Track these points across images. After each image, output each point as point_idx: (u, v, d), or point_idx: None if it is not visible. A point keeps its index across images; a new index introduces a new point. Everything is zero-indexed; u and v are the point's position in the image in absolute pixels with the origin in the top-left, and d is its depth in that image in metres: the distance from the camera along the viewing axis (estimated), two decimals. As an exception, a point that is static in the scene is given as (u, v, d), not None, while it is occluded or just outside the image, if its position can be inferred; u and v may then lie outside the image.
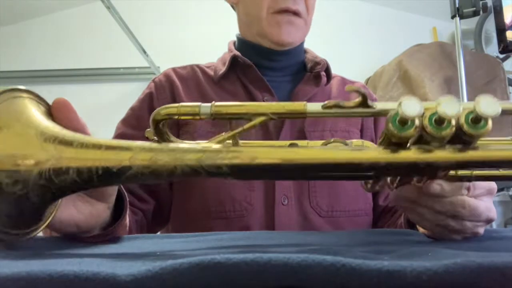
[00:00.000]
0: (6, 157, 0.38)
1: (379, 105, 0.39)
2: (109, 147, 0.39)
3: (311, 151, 0.38)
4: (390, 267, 0.28)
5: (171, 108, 0.41)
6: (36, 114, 0.42)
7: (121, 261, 0.36)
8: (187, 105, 0.41)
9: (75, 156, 0.39)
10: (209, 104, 0.40)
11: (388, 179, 0.46)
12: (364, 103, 0.39)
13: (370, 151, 0.37)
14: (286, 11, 0.86)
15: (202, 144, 0.39)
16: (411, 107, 0.34)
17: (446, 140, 0.36)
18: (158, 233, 0.92)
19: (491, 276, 0.27)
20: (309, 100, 0.87)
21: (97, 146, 0.39)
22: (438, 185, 0.47)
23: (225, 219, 0.79)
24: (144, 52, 2.74)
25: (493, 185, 0.50)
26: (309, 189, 0.81)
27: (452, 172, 0.46)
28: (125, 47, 2.73)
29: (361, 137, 0.89)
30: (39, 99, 0.44)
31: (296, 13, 0.86)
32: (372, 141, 0.89)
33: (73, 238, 0.51)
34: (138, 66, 3.06)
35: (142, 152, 0.38)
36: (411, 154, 0.36)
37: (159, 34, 3.10)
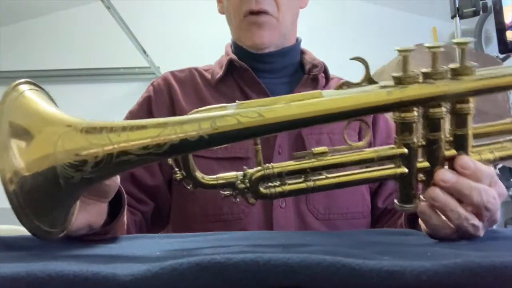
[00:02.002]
0: (62, 153, 0.40)
1: (382, 82, 0.47)
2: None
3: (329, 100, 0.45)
4: (390, 267, 0.28)
5: (201, 111, 0.46)
6: (50, 107, 0.43)
7: (121, 261, 0.36)
8: (215, 107, 0.47)
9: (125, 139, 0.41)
10: (234, 104, 0.46)
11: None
12: (369, 78, 0.49)
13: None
14: (250, 13, 0.85)
15: None
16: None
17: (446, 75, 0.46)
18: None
19: (491, 276, 0.27)
20: None
21: (141, 127, 0.42)
22: (471, 162, 0.47)
23: (223, 222, 0.79)
24: (144, 52, 2.74)
25: (505, 190, 0.51)
26: None
27: (476, 156, 0.48)
28: (125, 47, 2.73)
29: (359, 139, 0.88)
30: (36, 86, 0.45)
31: (261, 13, 0.85)
32: (370, 143, 0.89)
33: (73, 238, 0.51)
34: (138, 66, 3.06)
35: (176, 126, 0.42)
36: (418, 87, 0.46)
37: (159, 34, 3.09)
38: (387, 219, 0.86)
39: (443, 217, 0.48)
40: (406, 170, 0.47)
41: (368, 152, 0.48)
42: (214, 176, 0.49)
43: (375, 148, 0.48)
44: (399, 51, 0.48)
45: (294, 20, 0.93)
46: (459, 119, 0.47)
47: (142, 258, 0.39)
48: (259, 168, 0.48)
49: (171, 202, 0.87)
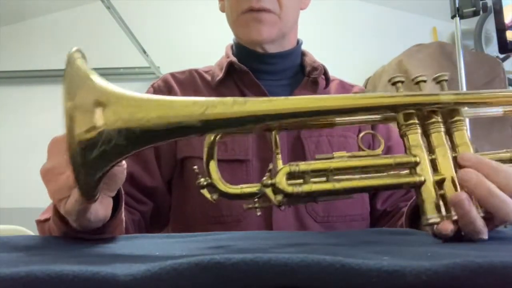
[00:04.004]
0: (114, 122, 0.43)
1: None
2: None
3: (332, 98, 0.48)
4: (389, 267, 0.28)
5: None
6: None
7: (121, 261, 0.36)
8: None
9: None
10: None
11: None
12: None
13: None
14: (251, 10, 0.84)
15: None
16: None
17: None
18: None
19: (491, 276, 0.27)
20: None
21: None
22: (473, 155, 0.48)
23: (222, 224, 0.78)
24: (144, 52, 2.74)
25: None
26: None
27: None
28: (125, 47, 2.73)
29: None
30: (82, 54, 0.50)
31: (262, 10, 0.84)
32: (369, 146, 0.88)
33: (72, 238, 0.51)
34: (138, 66, 3.06)
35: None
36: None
37: (159, 34, 3.09)
38: (387, 221, 0.86)
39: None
40: (423, 178, 0.48)
41: (386, 158, 0.49)
42: (238, 186, 0.49)
43: (392, 155, 0.50)
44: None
45: (295, 20, 0.92)
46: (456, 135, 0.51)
47: (142, 258, 0.39)
48: (284, 165, 0.48)
49: (170, 202, 0.87)
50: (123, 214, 0.59)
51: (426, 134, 0.50)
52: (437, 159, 0.49)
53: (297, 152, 0.83)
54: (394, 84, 0.51)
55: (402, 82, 0.51)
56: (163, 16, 3.17)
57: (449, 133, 0.51)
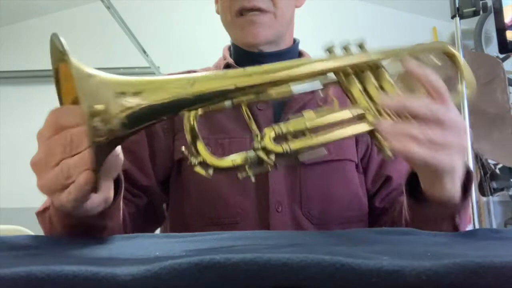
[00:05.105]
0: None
1: None
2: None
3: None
4: (389, 267, 0.28)
5: None
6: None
7: (121, 261, 0.36)
8: None
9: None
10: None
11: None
12: None
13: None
14: (244, 10, 0.83)
15: None
16: None
17: None
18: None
19: (491, 276, 0.27)
20: (303, 107, 0.84)
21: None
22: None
23: (219, 226, 0.78)
24: (144, 52, 2.75)
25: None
26: (301, 196, 0.80)
27: None
28: (125, 47, 2.73)
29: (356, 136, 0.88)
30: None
31: (255, 10, 0.82)
32: None
33: (72, 238, 0.52)
34: (138, 66, 3.06)
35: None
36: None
37: (159, 34, 3.10)
38: (385, 217, 0.85)
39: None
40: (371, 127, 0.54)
41: (344, 109, 0.55)
42: (229, 159, 0.50)
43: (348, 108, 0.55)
44: None
45: (290, 18, 0.90)
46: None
47: (142, 258, 0.39)
48: (267, 127, 0.50)
49: (165, 201, 0.87)
50: (121, 202, 0.59)
51: (364, 89, 0.58)
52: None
53: None
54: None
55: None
56: (163, 16, 3.17)
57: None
